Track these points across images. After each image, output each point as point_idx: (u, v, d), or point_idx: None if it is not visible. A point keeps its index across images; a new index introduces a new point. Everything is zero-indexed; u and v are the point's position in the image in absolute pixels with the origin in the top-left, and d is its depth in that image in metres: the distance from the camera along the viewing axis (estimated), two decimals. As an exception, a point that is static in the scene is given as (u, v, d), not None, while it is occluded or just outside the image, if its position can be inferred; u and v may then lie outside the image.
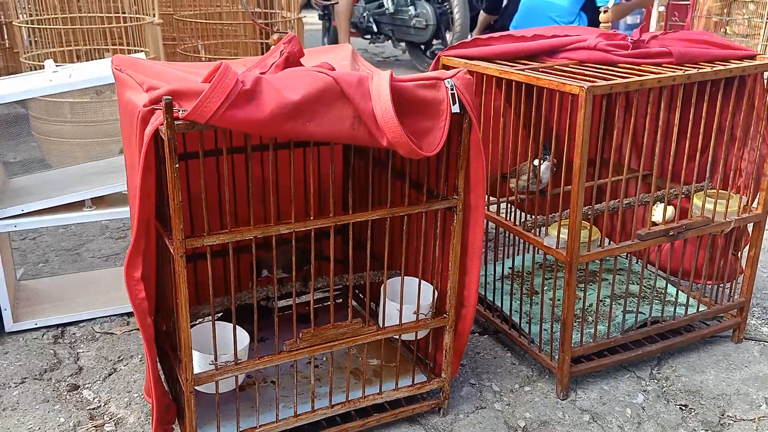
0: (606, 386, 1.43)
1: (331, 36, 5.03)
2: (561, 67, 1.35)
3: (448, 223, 1.20)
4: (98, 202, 1.64)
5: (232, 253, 1.03)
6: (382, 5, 4.40)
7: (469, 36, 4.34)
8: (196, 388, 1.09)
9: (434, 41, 4.33)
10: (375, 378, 1.31)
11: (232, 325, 1.09)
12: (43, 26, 2.44)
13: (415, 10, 4.23)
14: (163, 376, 1.33)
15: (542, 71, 1.31)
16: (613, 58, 1.36)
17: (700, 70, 1.27)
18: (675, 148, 1.32)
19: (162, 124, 0.90)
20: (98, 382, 1.43)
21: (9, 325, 1.59)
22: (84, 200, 1.61)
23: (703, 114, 1.31)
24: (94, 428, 1.28)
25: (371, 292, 1.34)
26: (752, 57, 1.36)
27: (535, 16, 3.45)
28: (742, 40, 3.19)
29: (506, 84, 1.35)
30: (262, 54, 1.35)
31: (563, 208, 1.36)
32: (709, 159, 1.39)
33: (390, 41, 4.53)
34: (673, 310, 1.48)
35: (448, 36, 4.10)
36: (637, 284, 1.58)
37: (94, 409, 1.34)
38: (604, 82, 1.18)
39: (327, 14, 5.02)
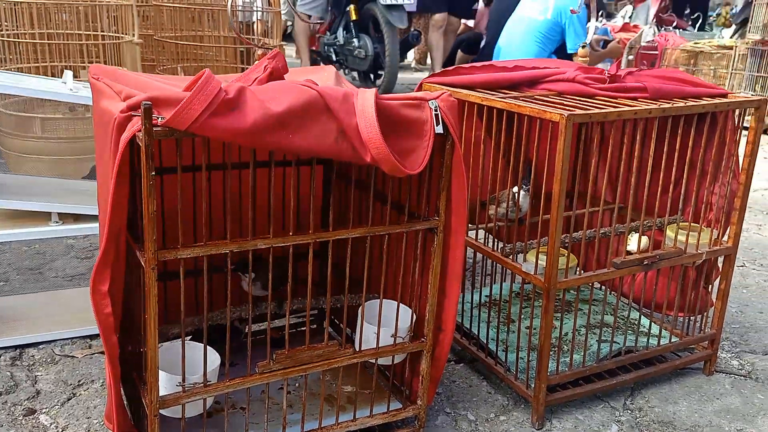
0: (581, 416, 1.41)
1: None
2: (541, 97, 1.38)
3: (429, 245, 1.19)
4: (65, 218, 1.59)
5: (206, 268, 0.99)
6: (336, 37, 4.99)
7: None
8: (161, 411, 1.04)
9: (380, 71, 4.92)
10: (349, 404, 1.27)
11: (201, 345, 1.05)
12: (18, 40, 2.40)
13: (358, 42, 4.78)
14: (125, 401, 1.27)
15: (523, 100, 1.33)
16: (591, 90, 1.40)
17: (675, 105, 1.31)
18: (649, 182, 1.35)
19: (139, 131, 0.88)
20: (56, 406, 1.35)
21: (-37, 345, 1.50)
22: (51, 213, 1.55)
23: (677, 148, 1.35)
24: (48, 454, 1.20)
25: (348, 316, 1.31)
26: (724, 95, 1.41)
27: (526, 36, 3.63)
28: (707, 86, 3.30)
29: (487, 111, 1.37)
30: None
31: (541, 236, 1.37)
32: (682, 192, 1.42)
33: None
34: (646, 341, 1.49)
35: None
36: (611, 315, 1.58)
37: (49, 434, 1.26)
38: (584, 111, 1.21)
39: (328, 45, 5.26)
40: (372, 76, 5.08)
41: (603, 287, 1.59)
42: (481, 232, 1.53)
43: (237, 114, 0.89)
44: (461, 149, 1.13)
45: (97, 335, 1.61)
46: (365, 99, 0.98)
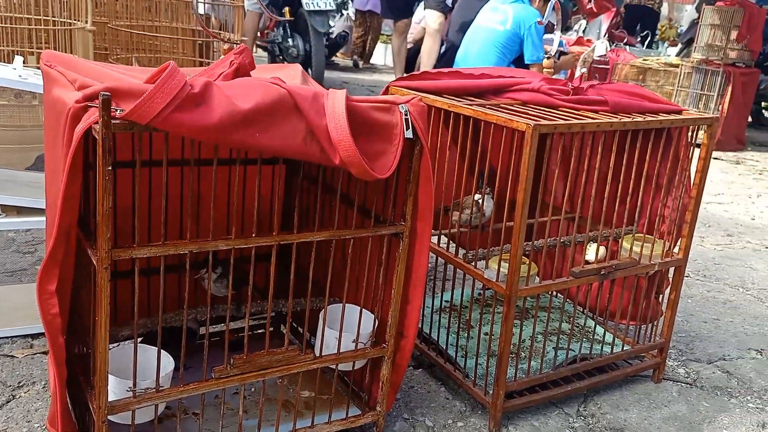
0: (536, 422, 1.43)
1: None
2: (506, 106, 1.39)
3: (393, 250, 1.18)
4: (8, 210, 1.49)
5: (163, 269, 0.95)
6: (276, 35, 5.64)
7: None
8: (109, 418, 0.99)
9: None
10: (307, 410, 1.25)
11: (154, 348, 1.00)
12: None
13: (292, 41, 5.39)
14: (70, 404, 1.20)
15: (489, 108, 1.34)
16: (554, 101, 1.42)
17: (635, 119, 1.35)
18: (607, 193, 1.38)
19: (96, 122, 0.83)
20: (-9, 410, 1.27)
21: None
22: (-9, 205, 1.46)
23: (634, 162, 1.39)
24: (-19, 463, 1.12)
25: (309, 320, 1.28)
26: (678, 112, 1.46)
27: (486, 46, 3.70)
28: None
29: (454, 118, 1.38)
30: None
31: (503, 244, 1.39)
32: (637, 204, 1.46)
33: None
34: (599, 348, 1.53)
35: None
36: (568, 323, 1.62)
37: (-17, 441, 1.18)
38: (549, 122, 1.23)
39: (270, 42, 5.66)
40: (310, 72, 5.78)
41: (560, 295, 1.62)
42: (443, 238, 1.53)
43: (202, 110, 0.85)
44: (428, 154, 1.12)
45: (39, 334, 1.52)
46: (336, 100, 0.96)
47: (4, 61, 2.31)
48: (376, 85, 6.17)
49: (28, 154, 2.10)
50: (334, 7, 5.61)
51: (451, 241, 1.50)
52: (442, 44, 5.07)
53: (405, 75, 1.57)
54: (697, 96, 4.90)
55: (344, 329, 1.17)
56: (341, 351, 1.17)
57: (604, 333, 1.58)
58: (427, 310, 1.62)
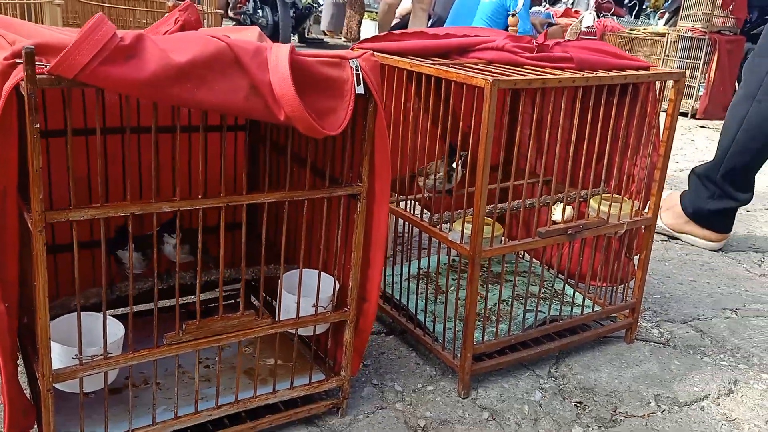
0: (506, 384, 1.43)
1: None
2: (470, 65, 1.36)
3: (352, 213, 1.16)
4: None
5: (104, 233, 0.92)
6: (248, 8, 6.20)
7: (292, 39, 5.97)
8: (58, 387, 0.97)
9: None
10: (270, 378, 1.23)
11: (103, 316, 0.98)
12: None
13: (262, 12, 5.93)
14: (27, 380, 1.18)
15: (452, 66, 1.31)
16: (519, 59, 1.39)
17: (598, 75, 1.32)
18: (574, 153, 1.36)
19: (23, 79, 0.80)
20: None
21: None
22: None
23: (600, 119, 1.37)
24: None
25: (268, 287, 1.27)
26: (646, 68, 1.43)
27: (472, 17, 3.67)
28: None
29: (416, 78, 1.35)
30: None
31: (468, 206, 1.37)
32: (605, 165, 1.44)
33: None
34: (570, 310, 1.52)
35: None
36: (538, 285, 1.60)
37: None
38: (509, 78, 1.20)
39: (242, 14, 6.01)
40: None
41: (531, 259, 1.60)
42: (412, 203, 1.51)
43: (134, 63, 0.82)
44: (383, 111, 1.10)
45: None
46: (279, 54, 0.93)
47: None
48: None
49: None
50: None
51: (425, 209, 1.48)
52: (429, 18, 5.02)
53: (370, 37, 1.53)
54: (683, 65, 4.86)
55: (304, 294, 1.15)
56: (301, 316, 1.15)
57: (574, 294, 1.57)
58: (398, 277, 1.61)
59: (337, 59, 1.01)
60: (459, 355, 1.36)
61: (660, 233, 2.32)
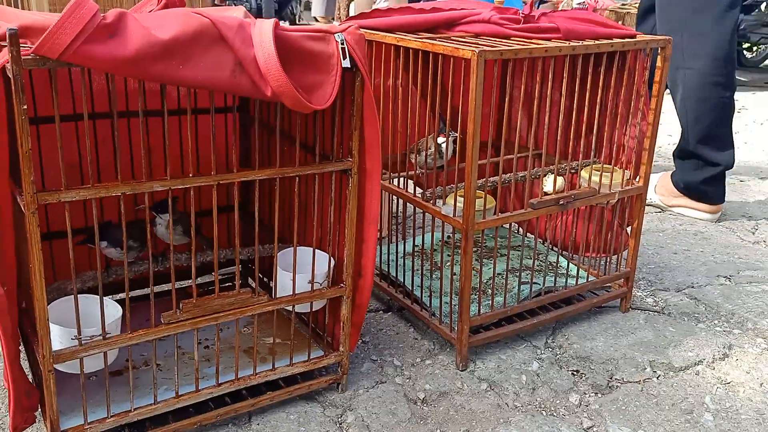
0: (503, 356, 1.44)
1: None
2: (458, 38, 1.36)
3: (344, 189, 1.17)
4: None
5: (96, 214, 0.93)
6: None
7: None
8: (59, 368, 0.98)
9: None
10: (269, 356, 1.25)
11: (99, 297, 0.99)
12: None
13: None
14: (28, 363, 1.20)
15: (439, 40, 1.31)
16: (505, 31, 1.39)
17: (585, 43, 1.32)
18: (564, 125, 1.36)
19: (8, 62, 0.80)
20: (-49, 375, 1.26)
21: None
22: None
23: (588, 89, 1.37)
24: (-59, 424, 1.12)
25: (263, 266, 1.28)
26: (632, 36, 1.43)
27: None
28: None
29: (404, 52, 1.35)
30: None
31: (459, 181, 1.37)
32: (594, 135, 1.45)
33: None
34: (565, 281, 1.53)
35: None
36: (532, 258, 1.62)
37: (-57, 404, 1.18)
38: (495, 49, 1.20)
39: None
40: None
41: (525, 233, 1.61)
42: (405, 180, 1.51)
43: (117, 41, 0.82)
44: (372, 86, 1.10)
45: None
46: (263, 29, 0.93)
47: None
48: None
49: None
50: None
51: (416, 185, 1.49)
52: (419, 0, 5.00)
53: (356, 15, 1.53)
54: (675, 39, 4.83)
55: (299, 271, 1.16)
56: (297, 293, 1.16)
57: (568, 265, 1.58)
58: (394, 255, 1.62)
59: (321, 33, 1.01)
60: (456, 329, 1.38)
61: (653, 206, 2.34)
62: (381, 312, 1.61)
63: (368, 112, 1.11)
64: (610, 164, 1.52)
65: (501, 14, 1.41)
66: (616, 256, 1.62)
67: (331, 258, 1.22)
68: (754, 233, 2.20)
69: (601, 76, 1.37)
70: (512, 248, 1.71)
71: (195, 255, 1.05)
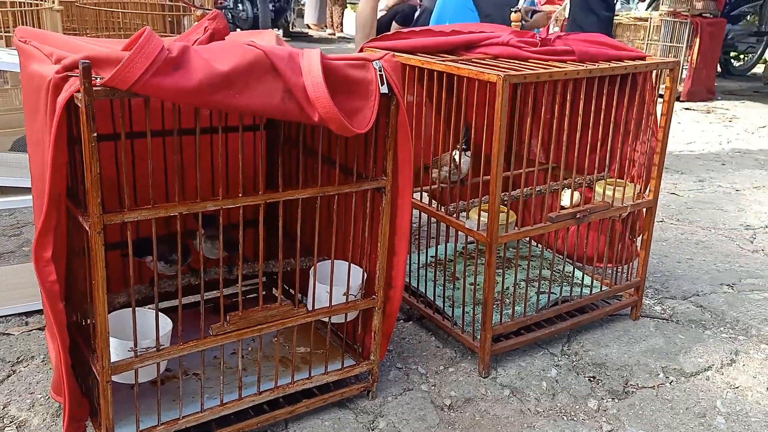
0: (523, 363, 1.50)
1: None
2: (478, 60, 1.42)
3: (377, 205, 1.22)
4: (-9, 192, 1.50)
5: (155, 230, 0.98)
6: (229, 2, 6.63)
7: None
8: (112, 378, 1.03)
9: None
10: (304, 365, 1.30)
11: (150, 311, 1.04)
12: None
13: (242, 6, 6.38)
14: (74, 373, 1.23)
15: (461, 62, 1.38)
16: (523, 53, 1.46)
17: (600, 66, 1.39)
18: (579, 141, 1.43)
19: (78, 91, 0.85)
20: (-6, 386, 1.30)
21: None
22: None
23: (602, 108, 1.44)
24: (-10, 435, 1.16)
25: (299, 279, 1.33)
26: (642, 58, 1.51)
27: (465, 8, 3.75)
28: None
29: (428, 74, 1.41)
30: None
31: (481, 195, 1.44)
32: (608, 151, 1.52)
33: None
34: (579, 291, 1.60)
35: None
36: (548, 269, 1.68)
37: (-10, 415, 1.22)
38: (518, 72, 1.27)
39: (223, 8, 6.26)
40: None
41: (540, 244, 1.68)
42: (426, 195, 1.57)
43: (181, 73, 0.87)
44: (405, 109, 1.16)
45: (33, 312, 1.55)
46: (311, 59, 0.99)
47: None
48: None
49: (3, 139, 2.08)
50: None
51: (433, 199, 1.55)
52: (415, 9, 5.07)
53: (377, 36, 1.59)
54: (666, 48, 4.96)
55: (335, 284, 1.21)
56: (333, 304, 1.22)
57: (583, 276, 1.65)
58: (415, 265, 1.67)
59: (361, 61, 1.07)
60: (478, 337, 1.44)
61: None
62: (402, 321, 1.67)
63: (402, 133, 1.17)
64: (622, 179, 1.59)
65: (519, 37, 1.48)
66: (626, 266, 1.69)
67: (365, 271, 1.28)
68: (752, 242, 2.28)
69: (614, 96, 1.44)
70: (527, 258, 1.77)
71: (241, 269, 1.10)
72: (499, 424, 1.30)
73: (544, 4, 6.54)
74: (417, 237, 1.67)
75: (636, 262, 1.71)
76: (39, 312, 1.54)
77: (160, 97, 0.88)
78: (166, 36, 2.78)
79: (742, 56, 6.33)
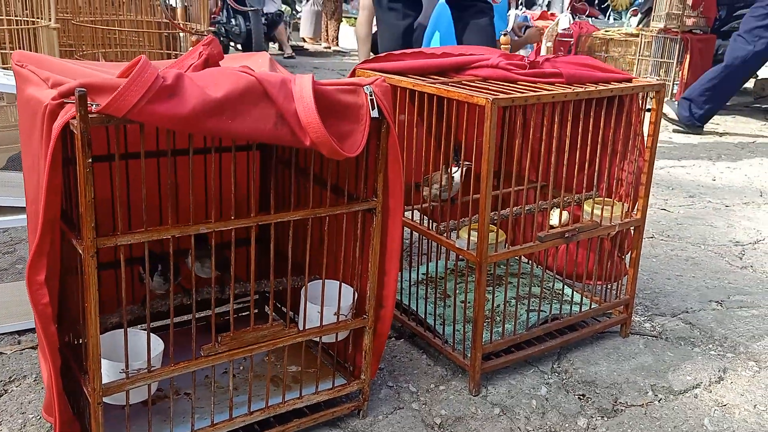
0: (513, 381, 1.52)
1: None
2: (468, 82, 1.45)
3: (368, 226, 1.24)
4: (-14, 211, 1.51)
5: (147, 255, 0.99)
6: (222, 18, 6.87)
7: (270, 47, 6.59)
8: (104, 400, 1.03)
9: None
10: (295, 384, 1.31)
11: (142, 332, 1.05)
12: None
13: (235, 21, 6.59)
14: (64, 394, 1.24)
15: (451, 85, 1.40)
16: (512, 76, 1.49)
17: (587, 89, 1.42)
18: (567, 161, 1.46)
19: (73, 117, 0.87)
20: (-15, 406, 1.30)
21: None
22: (-31, 208, 1.48)
23: (590, 129, 1.47)
24: (-19, 455, 1.16)
25: (290, 299, 1.34)
26: (629, 80, 1.54)
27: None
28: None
29: (418, 96, 1.43)
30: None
31: (471, 214, 1.46)
32: (596, 170, 1.55)
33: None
34: (569, 308, 1.62)
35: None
36: (538, 286, 1.70)
37: (-20, 435, 1.22)
38: (507, 96, 1.29)
39: (216, 23, 6.39)
40: (250, 47, 6.86)
41: (530, 261, 1.70)
42: (417, 213, 1.59)
43: (176, 100, 0.89)
44: (395, 132, 1.18)
45: (26, 330, 1.55)
46: (303, 84, 1.01)
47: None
48: (346, 68, 6.23)
49: (-2, 156, 2.10)
50: None
51: (424, 216, 1.57)
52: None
53: (371, 57, 1.62)
54: (657, 64, 5.03)
55: (325, 304, 1.23)
56: (324, 324, 1.23)
57: (572, 293, 1.67)
58: (406, 283, 1.69)
59: (352, 86, 1.09)
60: (469, 355, 1.45)
61: None
62: (393, 338, 1.68)
63: (392, 156, 1.19)
64: (610, 197, 1.62)
65: (508, 60, 1.51)
66: (615, 283, 1.71)
67: (355, 291, 1.29)
68: (741, 258, 2.31)
69: (602, 117, 1.47)
70: (517, 275, 1.79)
71: (233, 289, 1.11)
72: (489, 443, 1.31)
73: (536, 19, 6.64)
74: (409, 254, 1.69)
75: (625, 279, 1.73)
76: (32, 331, 1.55)
77: (155, 124, 0.90)
78: (162, 53, 2.81)
79: (733, 71, 6.40)
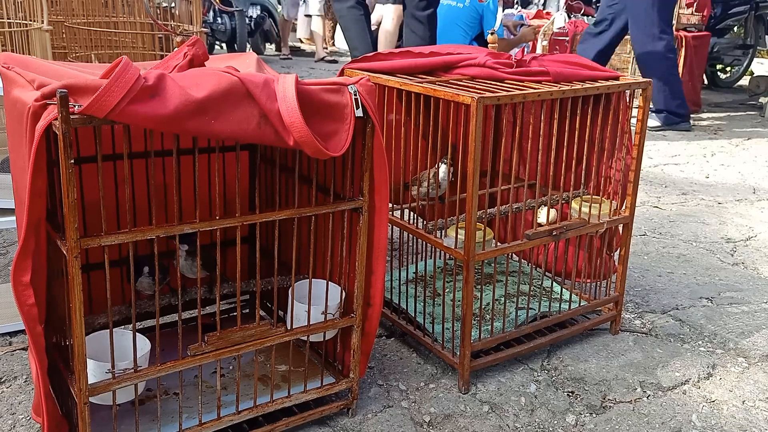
0: (503, 378, 1.52)
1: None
2: (455, 82, 1.46)
3: (354, 225, 1.25)
4: (-24, 213, 1.52)
5: (132, 255, 1.00)
6: (209, 18, 7.18)
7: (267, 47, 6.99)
8: (91, 400, 1.04)
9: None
10: (283, 383, 1.32)
11: (129, 332, 1.05)
12: None
13: (221, 20, 6.93)
14: (52, 394, 1.25)
15: (438, 84, 1.41)
16: (499, 74, 1.49)
17: (573, 87, 1.43)
18: (555, 159, 1.46)
19: (56, 119, 0.87)
20: (-25, 407, 1.31)
21: None
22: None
23: (577, 127, 1.47)
24: (-30, 456, 1.16)
25: (278, 298, 1.35)
26: (616, 78, 1.54)
27: (449, 24, 3.86)
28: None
29: (406, 95, 1.44)
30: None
31: (459, 213, 1.46)
32: (584, 168, 1.55)
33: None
34: (558, 306, 1.62)
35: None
36: (528, 284, 1.71)
37: (-30, 436, 1.22)
38: (493, 94, 1.30)
39: (203, 23, 6.57)
40: (237, 48, 7.21)
41: (519, 259, 1.71)
42: (407, 212, 1.60)
43: (157, 101, 0.90)
44: (382, 132, 1.19)
45: (17, 332, 1.56)
46: (286, 84, 1.02)
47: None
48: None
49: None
50: None
51: (413, 214, 1.57)
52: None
53: (360, 57, 1.62)
54: (653, 62, 5.02)
55: (313, 303, 1.23)
56: (311, 323, 1.23)
57: (561, 291, 1.67)
58: (396, 282, 1.70)
59: (336, 86, 1.10)
60: (458, 353, 1.45)
61: None
62: (384, 337, 1.69)
63: (378, 155, 1.20)
64: (598, 195, 1.62)
65: (495, 59, 1.52)
66: (604, 281, 1.72)
67: (343, 290, 1.30)
68: (732, 255, 2.32)
69: (588, 115, 1.48)
70: (508, 274, 1.80)
71: (219, 289, 1.12)
72: (478, 440, 1.31)
73: (532, 18, 6.64)
74: (399, 253, 1.70)
75: (615, 276, 1.73)
76: (23, 332, 1.56)
77: (137, 124, 0.90)
78: (156, 54, 2.81)
79: (728, 69, 6.42)
